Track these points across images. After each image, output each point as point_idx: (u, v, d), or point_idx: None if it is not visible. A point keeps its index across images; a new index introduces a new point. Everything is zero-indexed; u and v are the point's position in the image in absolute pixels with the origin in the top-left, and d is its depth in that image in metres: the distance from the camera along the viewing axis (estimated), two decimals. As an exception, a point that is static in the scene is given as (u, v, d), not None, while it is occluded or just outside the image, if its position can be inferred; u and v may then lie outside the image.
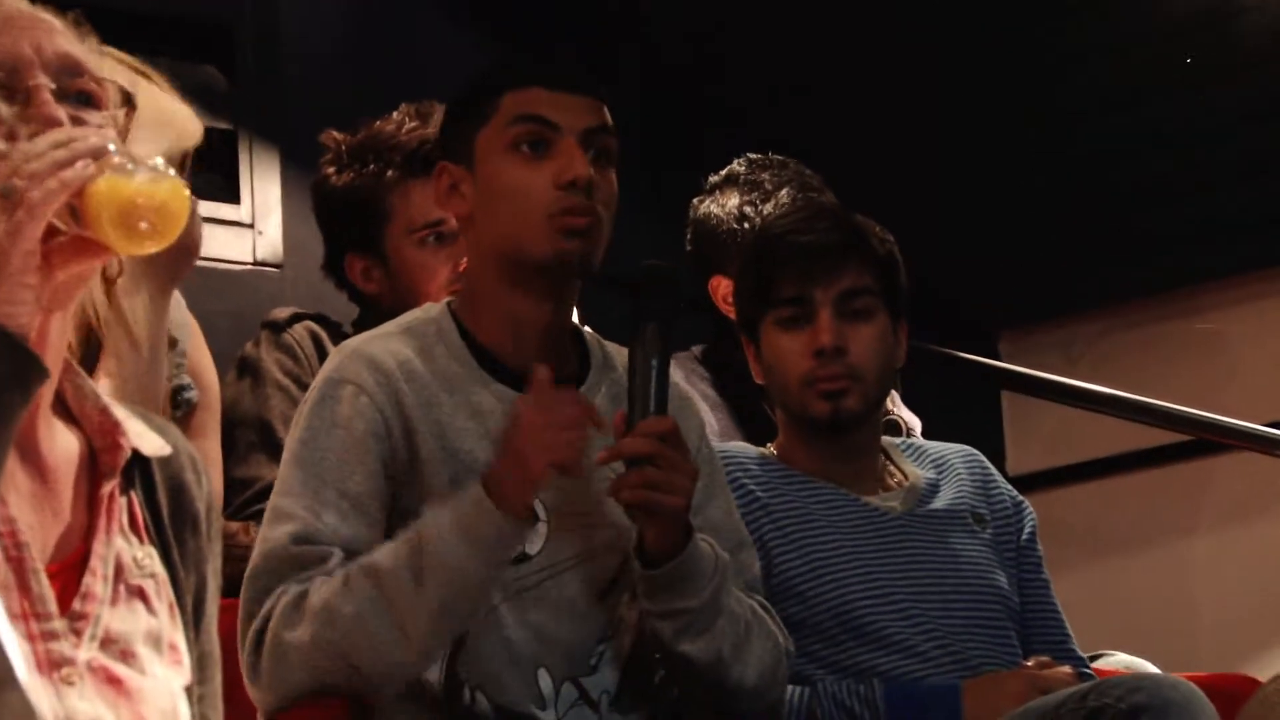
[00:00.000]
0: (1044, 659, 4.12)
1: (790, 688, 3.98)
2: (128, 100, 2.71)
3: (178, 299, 4.26)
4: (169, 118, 3.69)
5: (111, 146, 2.46)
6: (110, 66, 2.81)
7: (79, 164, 2.42)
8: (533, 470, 3.51)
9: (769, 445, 4.33)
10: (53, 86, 2.59)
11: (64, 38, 2.64)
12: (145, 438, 2.69)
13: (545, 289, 3.77)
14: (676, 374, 4.16)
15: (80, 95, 2.61)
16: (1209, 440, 6.45)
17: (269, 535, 3.59)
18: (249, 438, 4.49)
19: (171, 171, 2.49)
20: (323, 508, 3.58)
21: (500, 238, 3.76)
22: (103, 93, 2.64)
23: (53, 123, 2.55)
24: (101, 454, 2.63)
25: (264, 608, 3.50)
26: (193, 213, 3.91)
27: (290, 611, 3.50)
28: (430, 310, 3.87)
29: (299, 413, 3.73)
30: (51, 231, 2.43)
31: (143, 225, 2.45)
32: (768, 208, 4.85)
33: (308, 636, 3.47)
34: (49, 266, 2.44)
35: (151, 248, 2.46)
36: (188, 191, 2.46)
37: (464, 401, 3.73)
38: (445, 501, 3.54)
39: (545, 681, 3.71)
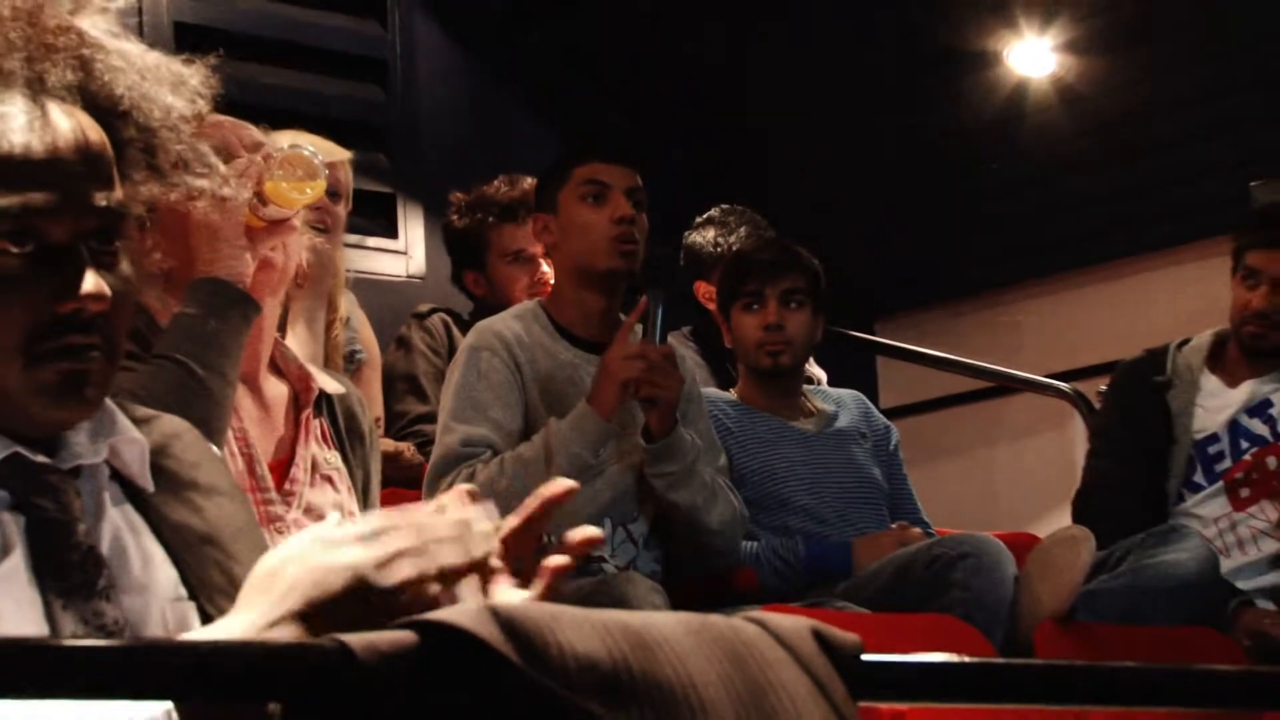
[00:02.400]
0: (904, 524, 4.13)
1: (743, 543, 3.99)
2: None
3: (351, 298, 4.30)
4: (325, 149, 3.72)
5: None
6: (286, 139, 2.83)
7: (256, 165, 2.43)
8: (613, 381, 3.59)
9: (732, 390, 4.34)
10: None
11: (255, 130, 2.63)
12: (329, 383, 2.73)
13: (604, 289, 3.82)
14: (674, 343, 4.17)
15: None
16: (1007, 385, 6.44)
17: (445, 441, 3.64)
18: (403, 387, 4.49)
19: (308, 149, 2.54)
20: (477, 425, 3.63)
21: (576, 256, 3.80)
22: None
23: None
24: (301, 394, 2.67)
25: (445, 482, 3.54)
26: (333, 262, 3.95)
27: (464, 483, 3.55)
28: (528, 304, 3.92)
29: (452, 370, 3.77)
30: (249, 227, 2.47)
31: (299, 172, 2.49)
32: (732, 238, 4.86)
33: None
34: (252, 242, 2.46)
35: (309, 188, 2.50)
36: (318, 158, 2.51)
37: (554, 357, 3.77)
38: (565, 415, 3.62)
39: (609, 527, 3.73)
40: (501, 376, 3.69)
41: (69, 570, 1.49)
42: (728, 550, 3.88)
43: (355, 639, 1.19)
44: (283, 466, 2.61)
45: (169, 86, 1.64)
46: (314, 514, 2.59)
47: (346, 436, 2.74)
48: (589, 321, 3.83)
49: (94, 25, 1.60)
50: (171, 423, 1.72)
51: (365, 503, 2.74)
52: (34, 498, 1.51)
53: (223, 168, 1.75)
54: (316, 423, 2.70)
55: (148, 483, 1.60)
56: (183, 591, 1.58)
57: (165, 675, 1.14)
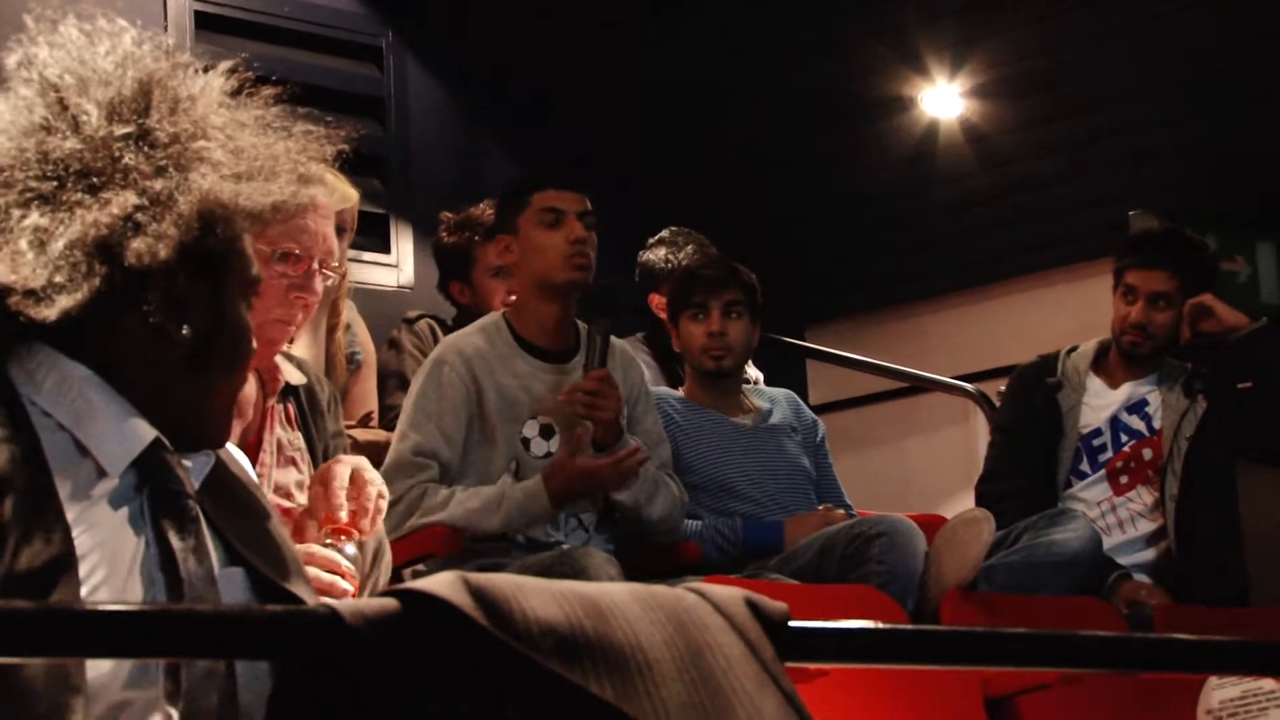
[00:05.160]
0: (829, 506, 4.13)
1: (688, 521, 3.97)
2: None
3: (351, 306, 4.28)
4: (342, 194, 3.69)
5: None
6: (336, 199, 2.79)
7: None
8: (573, 485, 3.60)
9: (680, 389, 4.33)
10: (317, 266, 2.60)
11: (329, 221, 2.65)
12: (293, 374, 2.73)
13: (560, 300, 3.79)
14: (627, 348, 4.16)
15: (323, 264, 2.61)
16: (920, 385, 6.45)
17: (399, 447, 3.62)
18: (394, 383, 4.46)
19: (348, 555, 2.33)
20: (428, 435, 3.61)
21: (535, 272, 3.77)
22: (330, 258, 2.64)
23: (314, 293, 2.59)
24: (268, 383, 2.67)
25: (399, 486, 3.50)
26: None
27: (415, 501, 3.54)
28: (493, 317, 3.89)
29: (415, 379, 3.75)
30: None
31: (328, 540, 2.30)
32: (680, 255, 4.83)
33: (425, 521, 3.54)
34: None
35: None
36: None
37: (511, 369, 3.74)
38: (522, 484, 3.60)
39: (561, 518, 3.72)
40: (456, 391, 3.67)
41: (186, 536, 1.57)
42: (669, 535, 3.86)
43: (343, 605, 1.18)
44: (251, 450, 2.60)
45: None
46: (281, 492, 2.57)
47: (310, 415, 2.73)
48: (546, 332, 3.81)
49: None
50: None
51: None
52: (161, 476, 1.59)
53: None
54: (281, 407, 2.69)
55: (192, 487, 1.64)
56: (227, 560, 1.63)
57: (179, 635, 1.14)
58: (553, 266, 3.75)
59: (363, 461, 2.37)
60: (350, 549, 2.28)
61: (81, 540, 1.50)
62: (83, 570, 1.48)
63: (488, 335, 3.78)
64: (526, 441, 3.71)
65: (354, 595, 2.26)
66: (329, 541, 2.27)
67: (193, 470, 1.64)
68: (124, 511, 1.56)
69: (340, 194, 4.02)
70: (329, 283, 2.64)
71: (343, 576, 2.23)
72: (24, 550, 1.44)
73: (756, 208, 6.68)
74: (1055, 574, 3.98)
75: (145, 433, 1.59)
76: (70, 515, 1.51)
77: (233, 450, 1.77)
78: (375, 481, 2.32)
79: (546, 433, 3.73)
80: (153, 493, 1.58)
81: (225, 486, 1.68)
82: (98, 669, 1.44)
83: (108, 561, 1.51)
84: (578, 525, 3.74)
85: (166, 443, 1.61)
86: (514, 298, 4.53)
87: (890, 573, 3.68)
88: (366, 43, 5.94)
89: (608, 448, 3.67)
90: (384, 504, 2.33)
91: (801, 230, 6.83)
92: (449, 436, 3.62)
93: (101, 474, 1.56)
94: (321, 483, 2.31)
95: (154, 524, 1.56)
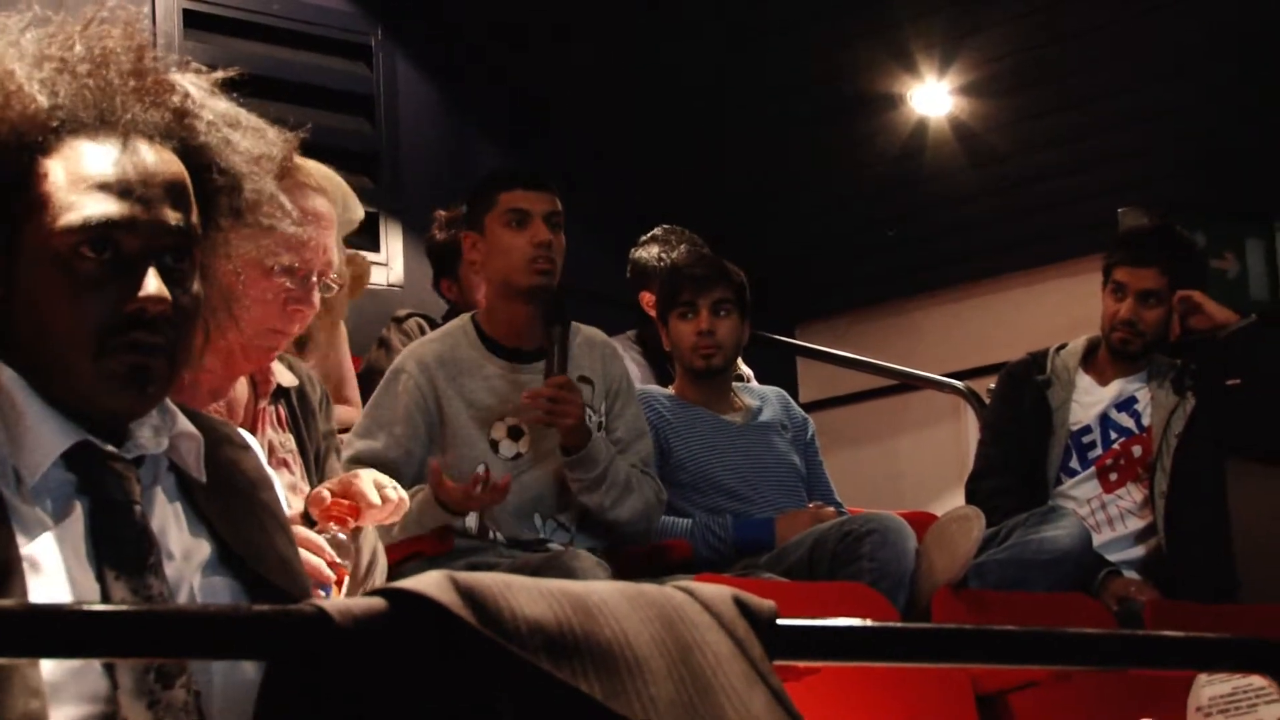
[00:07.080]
0: (820, 503, 4.13)
1: (677, 519, 3.98)
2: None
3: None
4: (352, 212, 3.67)
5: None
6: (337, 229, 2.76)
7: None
8: (456, 511, 3.53)
9: (670, 387, 4.33)
10: (316, 278, 2.58)
11: (330, 233, 2.62)
12: (284, 375, 2.71)
13: (525, 302, 3.78)
14: (611, 341, 4.15)
15: (322, 276, 2.58)
16: (909, 383, 6.46)
17: (344, 454, 3.58)
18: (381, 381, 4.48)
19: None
20: (375, 440, 3.61)
21: (499, 274, 3.78)
22: (328, 270, 2.61)
23: (312, 306, 2.56)
24: (260, 385, 2.66)
25: None
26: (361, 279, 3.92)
27: None
28: (460, 320, 3.90)
29: (380, 384, 3.75)
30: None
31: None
32: (674, 254, 4.82)
33: None
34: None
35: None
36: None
37: (477, 371, 3.74)
38: (418, 498, 3.50)
39: (538, 521, 3.71)
40: (413, 399, 3.67)
41: (124, 546, 1.49)
42: (641, 535, 3.85)
43: (332, 605, 1.18)
44: None
45: (251, 136, 1.66)
46: None
47: (302, 417, 2.73)
48: (514, 331, 3.81)
49: (191, 83, 1.63)
50: (242, 436, 1.73)
51: (320, 469, 2.72)
52: (99, 481, 1.52)
53: (295, 213, 1.74)
54: (273, 409, 2.68)
55: (201, 474, 1.60)
56: (220, 567, 1.57)
57: (170, 636, 1.13)
58: (515, 269, 3.74)
59: (381, 477, 2.40)
60: (339, 535, 2.29)
61: (26, 549, 1.45)
62: (29, 578, 1.43)
63: (453, 340, 3.78)
64: (495, 444, 3.71)
65: (339, 583, 2.28)
66: (328, 529, 2.28)
67: (187, 456, 1.58)
68: (67, 521, 1.49)
69: (355, 209, 4.00)
70: (328, 294, 2.63)
71: (326, 562, 2.24)
72: None
73: (746, 205, 6.69)
74: (1045, 571, 3.99)
75: (59, 439, 1.51)
76: (15, 525, 1.45)
77: (251, 442, 1.72)
78: (389, 485, 2.38)
79: (515, 434, 3.74)
80: (91, 502, 1.51)
81: (228, 482, 1.63)
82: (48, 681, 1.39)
83: (50, 570, 1.45)
84: (557, 526, 3.75)
85: (99, 444, 1.53)
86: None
87: (881, 570, 3.68)
88: (355, 40, 5.95)
89: (574, 451, 3.68)
90: (405, 505, 2.38)
91: (791, 228, 6.84)
92: (400, 442, 3.63)
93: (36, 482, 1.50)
94: (342, 485, 2.34)
95: (90, 534, 1.49)
